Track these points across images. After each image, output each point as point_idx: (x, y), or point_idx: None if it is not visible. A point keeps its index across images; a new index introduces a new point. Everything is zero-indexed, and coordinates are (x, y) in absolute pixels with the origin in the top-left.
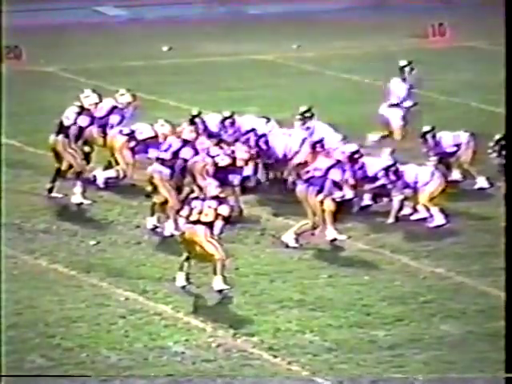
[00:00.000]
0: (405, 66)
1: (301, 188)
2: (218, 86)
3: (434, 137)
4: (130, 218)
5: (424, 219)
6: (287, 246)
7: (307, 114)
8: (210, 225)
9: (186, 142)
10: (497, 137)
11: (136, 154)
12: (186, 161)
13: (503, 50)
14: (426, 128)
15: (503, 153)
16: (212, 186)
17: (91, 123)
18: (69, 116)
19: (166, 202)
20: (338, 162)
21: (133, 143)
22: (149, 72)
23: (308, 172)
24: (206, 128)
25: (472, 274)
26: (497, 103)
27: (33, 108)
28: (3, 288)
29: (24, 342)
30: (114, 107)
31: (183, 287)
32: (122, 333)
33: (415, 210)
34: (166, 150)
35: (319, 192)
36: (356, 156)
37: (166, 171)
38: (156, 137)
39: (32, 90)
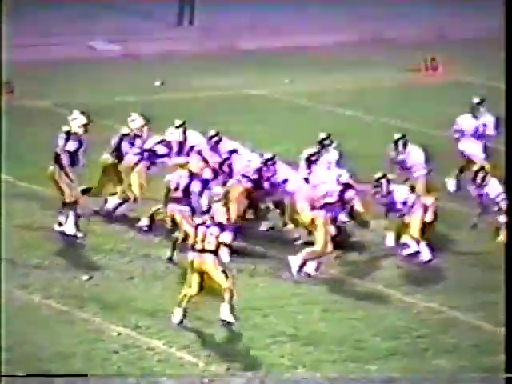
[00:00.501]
0: (479, 103)
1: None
2: (211, 120)
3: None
4: (123, 252)
5: (414, 254)
6: (309, 276)
7: (326, 142)
8: (215, 253)
9: (192, 175)
10: (475, 168)
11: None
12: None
13: (503, 65)
14: (379, 174)
15: (484, 183)
16: (220, 212)
17: (79, 146)
18: (58, 143)
19: (186, 237)
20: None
21: (146, 162)
22: (142, 107)
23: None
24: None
25: (464, 309)
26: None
27: (26, 143)
28: None
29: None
30: (123, 136)
31: (180, 323)
32: (114, 368)
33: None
34: (176, 189)
35: (335, 218)
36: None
37: (186, 208)
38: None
39: (25, 125)
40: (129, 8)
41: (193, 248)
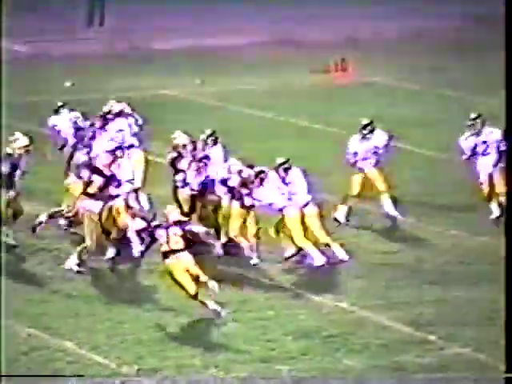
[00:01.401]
0: (475, 118)
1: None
2: None
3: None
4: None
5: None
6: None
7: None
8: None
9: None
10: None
11: None
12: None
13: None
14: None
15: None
16: (174, 211)
17: (14, 169)
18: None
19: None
20: None
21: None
22: (51, 107)
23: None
24: None
25: (374, 309)
26: (398, 138)
27: None
28: None
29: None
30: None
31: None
32: (24, 369)
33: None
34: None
35: None
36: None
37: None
38: None
39: None
40: (39, 8)
41: (165, 254)
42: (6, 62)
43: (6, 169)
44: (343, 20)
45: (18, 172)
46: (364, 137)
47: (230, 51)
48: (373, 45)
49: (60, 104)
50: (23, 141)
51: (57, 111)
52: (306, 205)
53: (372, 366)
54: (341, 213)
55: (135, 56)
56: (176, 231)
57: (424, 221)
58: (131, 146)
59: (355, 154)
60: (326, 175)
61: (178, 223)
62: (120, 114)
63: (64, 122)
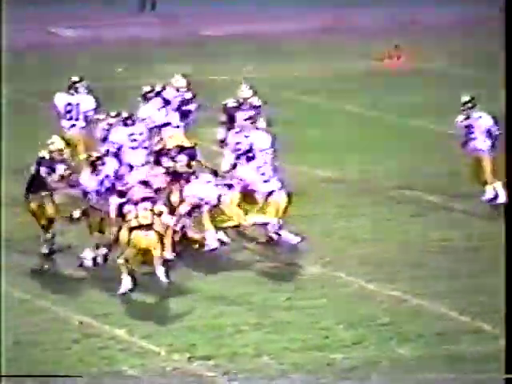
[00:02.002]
0: (467, 102)
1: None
2: None
3: None
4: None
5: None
6: None
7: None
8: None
9: None
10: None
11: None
12: None
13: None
14: None
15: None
16: (139, 189)
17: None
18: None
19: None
20: None
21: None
22: (103, 93)
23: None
24: None
25: (429, 297)
26: (451, 125)
27: None
28: None
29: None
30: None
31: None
32: (77, 357)
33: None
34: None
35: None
36: None
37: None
38: None
39: None
40: None
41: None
42: (56, 47)
43: (42, 172)
44: (396, 6)
45: (54, 176)
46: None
47: (280, 37)
48: (426, 31)
49: (75, 79)
50: (59, 144)
51: (71, 87)
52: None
53: (426, 355)
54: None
55: (186, 41)
56: (146, 206)
57: None
58: (167, 125)
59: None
60: (378, 162)
61: (146, 199)
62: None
63: (85, 100)
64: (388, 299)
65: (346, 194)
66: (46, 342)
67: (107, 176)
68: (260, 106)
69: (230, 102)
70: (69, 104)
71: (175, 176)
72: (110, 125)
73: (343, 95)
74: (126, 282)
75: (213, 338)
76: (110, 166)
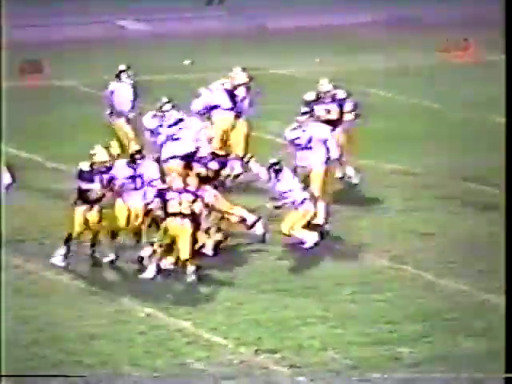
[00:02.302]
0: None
1: None
2: None
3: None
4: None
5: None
6: None
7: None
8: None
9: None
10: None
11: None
12: None
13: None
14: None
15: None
16: (177, 180)
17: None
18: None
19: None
20: None
21: None
22: (170, 86)
23: None
24: None
25: (495, 292)
26: None
27: (53, 123)
28: (24, 304)
29: (44, 358)
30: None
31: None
32: (142, 349)
33: None
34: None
35: None
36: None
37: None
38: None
39: (52, 104)
40: None
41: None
42: (123, 40)
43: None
44: None
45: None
46: None
47: (345, 30)
48: (494, 24)
49: (122, 68)
50: (102, 156)
51: (118, 76)
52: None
53: (492, 349)
54: None
55: (253, 34)
56: (188, 197)
57: None
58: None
59: None
60: (444, 155)
61: (189, 191)
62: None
63: (124, 89)
64: (455, 293)
65: (412, 186)
66: (112, 334)
67: (140, 176)
68: (345, 99)
69: (309, 96)
70: (112, 92)
71: (203, 181)
72: (156, 116)
73: (410, 88)
74: (151, 270)
75: (278, 331)
76: (147, 167)
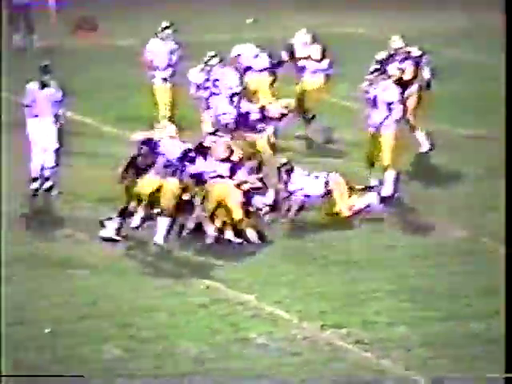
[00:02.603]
0: None
1: None
2: None
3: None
4: None
5: None
6: None
7: None
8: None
9: None
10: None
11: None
12: None
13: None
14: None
15: None
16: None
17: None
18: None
19: None
20: None
21: None
22: (235, 44)
23: None
24: None
25: None
26: None
27: (109, 85)
28: (79, 276)
29: (99, 332)
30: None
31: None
32: (202, 324)
33: None
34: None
35: None
36: None
37: None
38: None
39: (106, 64)
40: None
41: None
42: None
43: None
44: None
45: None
46: None
47: None
48: None
49: (165, 25)
50: (171, 130)
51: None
52: None
53: None
54: None
55: None
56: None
57: None
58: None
59: None
60: None
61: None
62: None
63: (161, 49)
64: None
65: (488, 152)
66: (171, 307)
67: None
68: (421, 56)
69: (381, 55)
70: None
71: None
72: (203, 70)
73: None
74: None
75: (344, 305)
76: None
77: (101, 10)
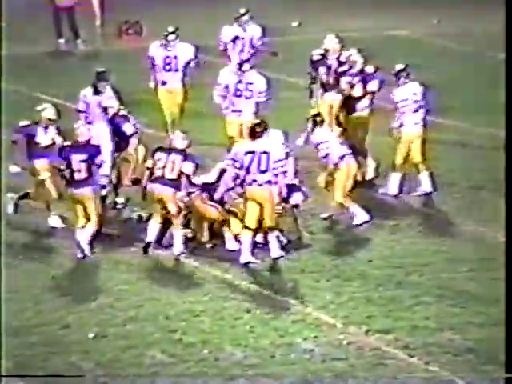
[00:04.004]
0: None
1: None
2: None
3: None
4: None
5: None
6: None
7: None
8: (175, 183)
9: None
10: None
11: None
12: None
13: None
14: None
15: None
16: (179, 139)
17: None
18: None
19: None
20: None
21: None
22: (279, 47)
23: None
24: None
25: None
26: None
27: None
28: (125, 279)
29: (144, 336)
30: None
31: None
32: (247, 328)
33: None
34: None
35: None
36: None
37: None
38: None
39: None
40: None
41: (152, 178)
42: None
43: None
44: None
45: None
46: None
47: None
48: None
49: (171, 30)
50: (50, 113)
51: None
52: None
53: None
54: None
55: None
56: (176, 159)
57: None
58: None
59: None
60: None
61: (180, 152)
62: None
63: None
64: None
65: None
66: (216, 311)
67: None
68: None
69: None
70: (236, 37)
71: None
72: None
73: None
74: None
75: (391, 310)
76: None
77: (146, 13)
